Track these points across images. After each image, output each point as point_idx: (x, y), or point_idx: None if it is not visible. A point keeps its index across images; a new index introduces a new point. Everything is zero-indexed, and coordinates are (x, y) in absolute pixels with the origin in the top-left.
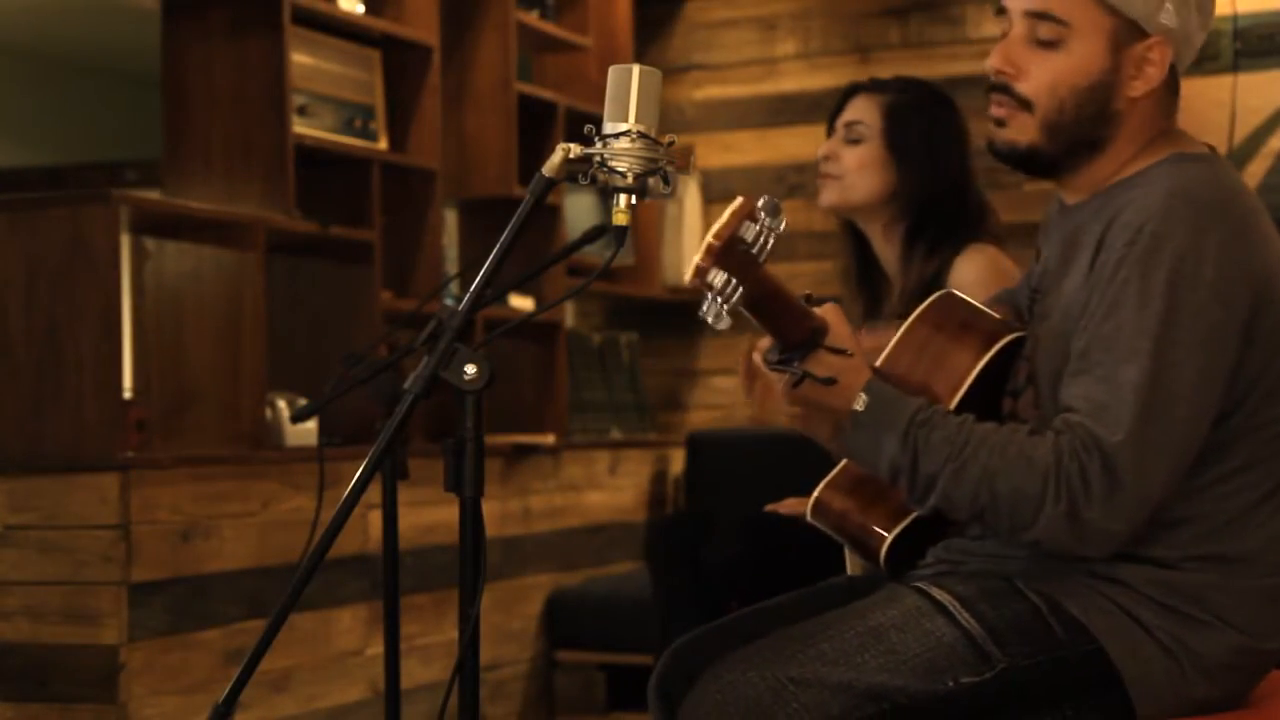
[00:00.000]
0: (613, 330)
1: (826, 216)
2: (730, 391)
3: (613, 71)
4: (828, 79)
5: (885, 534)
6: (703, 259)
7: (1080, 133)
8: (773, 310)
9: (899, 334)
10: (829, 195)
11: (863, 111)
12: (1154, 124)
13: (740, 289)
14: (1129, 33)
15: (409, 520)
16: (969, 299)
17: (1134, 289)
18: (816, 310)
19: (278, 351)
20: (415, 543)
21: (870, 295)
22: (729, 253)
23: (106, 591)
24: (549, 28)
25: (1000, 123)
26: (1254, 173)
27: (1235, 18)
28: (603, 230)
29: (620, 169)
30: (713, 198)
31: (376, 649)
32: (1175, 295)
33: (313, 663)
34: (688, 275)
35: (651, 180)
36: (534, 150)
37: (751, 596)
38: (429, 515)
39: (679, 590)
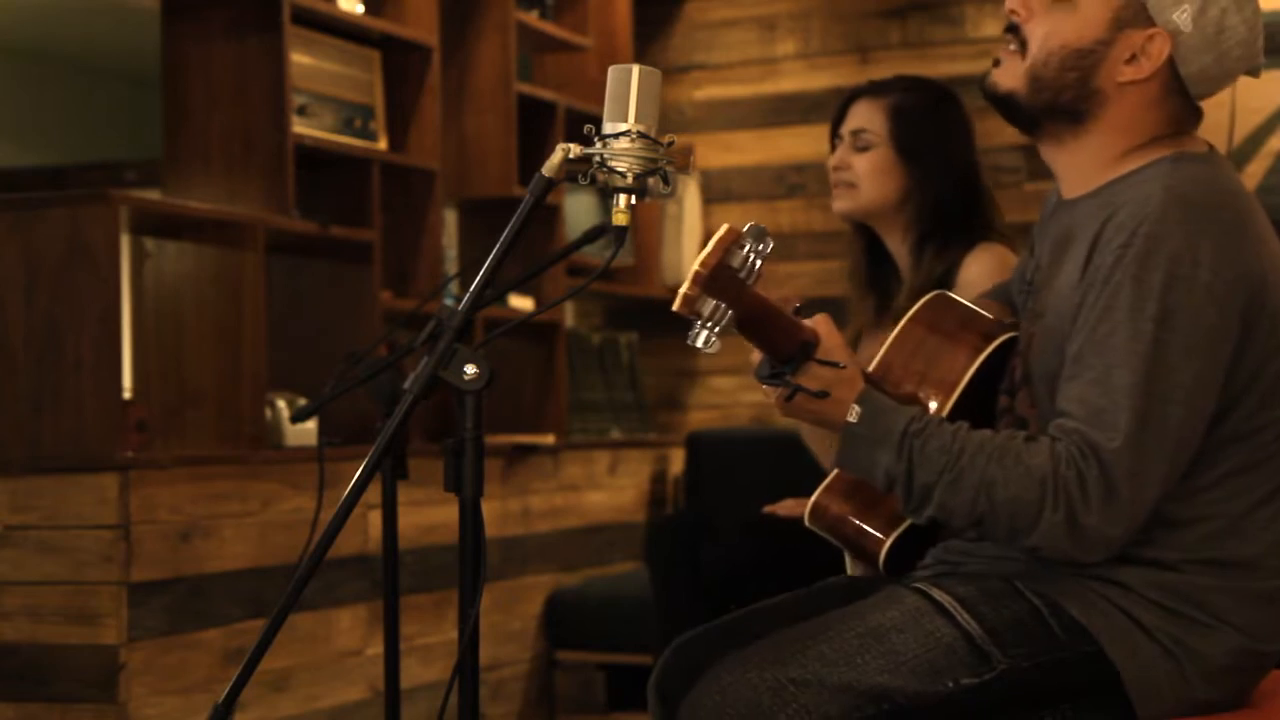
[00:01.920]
0: (612, 330)
1: (826, 216)
2: (730, 391)
3: (612, 71)
4: (828, 79)
5: (884, 537)
6: (690, 288)
7: (1059, 96)
8: (763, 328)
9: (892, 336)
10: (844, 203)
11: (867, 118)
12: (1149, 124)
13: (730, 313)
14: (1135, 16)
15: (409, 520)
16: (961, 299)
17: (1129, 292)
18: (807, 323)
19: (278, 351)
20: (415, 543)
21: (881, 294)
22: (716, 280)
23: (106, 591)
24: (549, 28)
25: (997, 63)
26: (1254, 173)
27: None
28: (603, 230)
29: (620, 169)
30: (713, 198)
31: (376, 649)
32: (1170, 298)
33: (313, 663)
34: (676, 304)
35: (651, 180)
36: (534, 150)
37: (751, 597)
38: (429, 515)
39: (679, 590)
